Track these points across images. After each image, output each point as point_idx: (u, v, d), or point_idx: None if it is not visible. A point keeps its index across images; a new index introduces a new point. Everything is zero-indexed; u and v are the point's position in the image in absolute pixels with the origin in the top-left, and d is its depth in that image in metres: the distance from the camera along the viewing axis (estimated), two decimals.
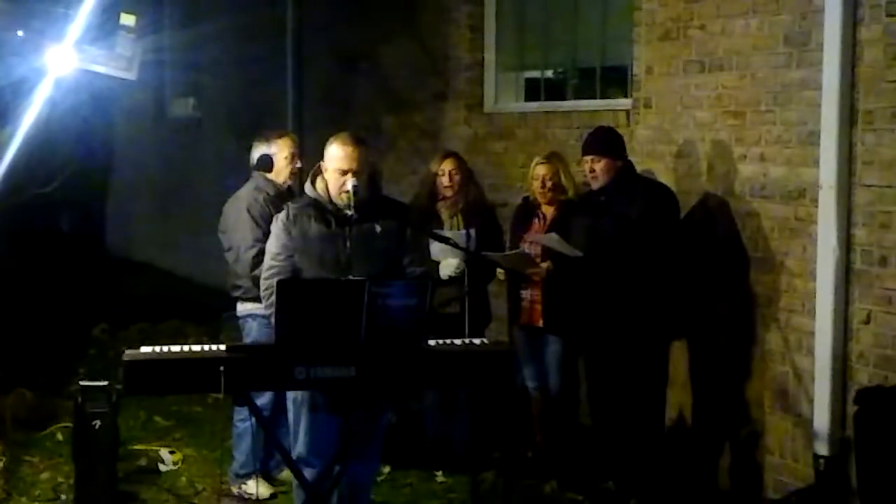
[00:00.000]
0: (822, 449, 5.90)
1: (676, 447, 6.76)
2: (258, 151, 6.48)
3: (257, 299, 6.10)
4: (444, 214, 6.88)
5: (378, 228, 5.19)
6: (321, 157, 5.29)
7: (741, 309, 6.45)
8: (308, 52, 9.43)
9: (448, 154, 7.11)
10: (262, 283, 5.27)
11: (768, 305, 6.30)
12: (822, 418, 5.91)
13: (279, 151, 6.43)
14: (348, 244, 5.12)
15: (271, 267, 5.21)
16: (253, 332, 6.30)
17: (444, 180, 6.88)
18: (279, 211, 5.44)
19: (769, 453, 6.35)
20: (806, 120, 6.01)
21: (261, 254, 6.01)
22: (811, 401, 6.00)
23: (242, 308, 6.40)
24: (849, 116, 5.77)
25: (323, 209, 5.19)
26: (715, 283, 6.59)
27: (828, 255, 5.85)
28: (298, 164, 6.45)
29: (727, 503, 6.49)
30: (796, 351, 6.15)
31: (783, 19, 6.13)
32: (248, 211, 6.28)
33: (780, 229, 6.21)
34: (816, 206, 5.91)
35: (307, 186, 5.32)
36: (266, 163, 6.43)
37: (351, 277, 4.88)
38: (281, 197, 6.26)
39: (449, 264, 6.58)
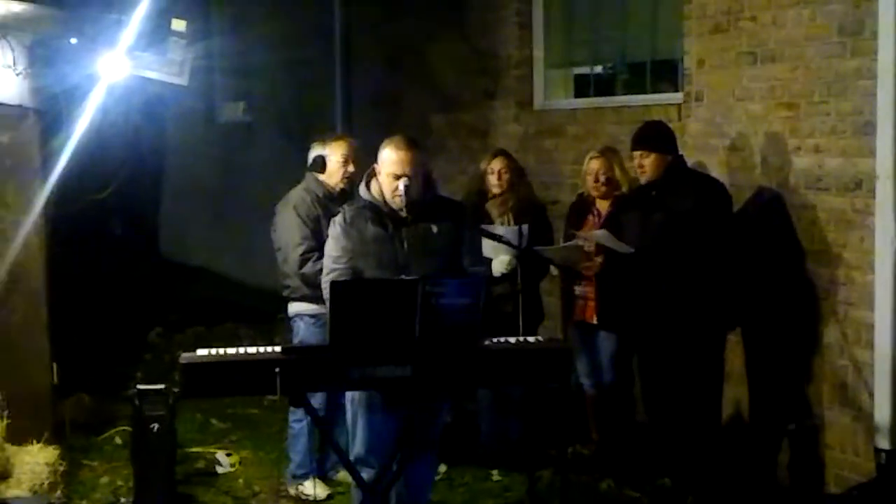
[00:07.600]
0: (884, 443, 5.83)
1: (734, 443, 6.70)
2: (314, 152, 6.50)
3: (306, 299, 6.15)
4: (494, 213, 6.87)
5: (435, 228, 5.18)
6: (372, 158, 5.29)
7: (798, 302, 6.38)
8: (356, 54, 9.43)
9: (497, 152, 7.10)
10: (324, 286, 5.25)
11: (826, 298, 6.23)
12: (882, 412, 5.84)
13: (332, 153, 6.44)
14: (405, 245, 5.11)
15: (333, 269, 5.18)
16: (300, 333, 6.33)
17: (493, 179, 6.87)
18: (327, 212, 5.43)
19: (829, 448, 6.28)
20: (861, 110, 5.94)
21: (307, 252, 6.06)
22: (871, 394, 5.93)
23: (291, 308, 6.41)
24: None
25: (379, 211, 5.19)
26: (771, 276, 6.52)
27: (886, 246, 5.78)
28: (351, 168, 6.38)
29: (787, 499, 6.43)
30: (855, 344, 6.07)
31: (836, 9, 6.05)
32: (296, 210, 6.29)
33: (836, 221, 6.14)
34: (873, 197, 5.84)
35: (362, 189, 5.31)
36: (319, 163, 6.44)
37: (406, 277, 4.87)
38: (331, 199, 6.28)
39: (501, 261, 6.57)
